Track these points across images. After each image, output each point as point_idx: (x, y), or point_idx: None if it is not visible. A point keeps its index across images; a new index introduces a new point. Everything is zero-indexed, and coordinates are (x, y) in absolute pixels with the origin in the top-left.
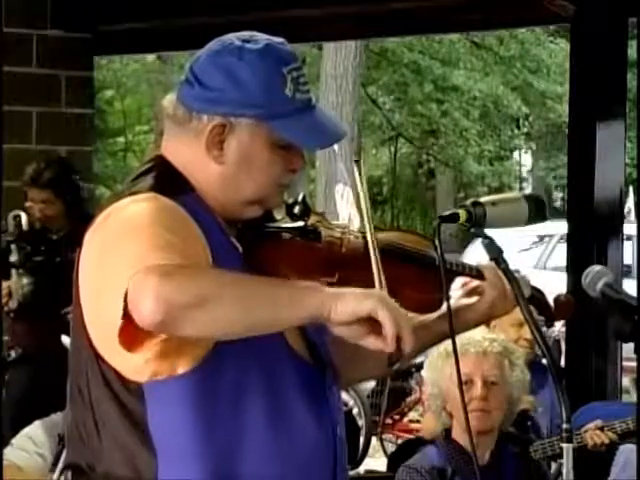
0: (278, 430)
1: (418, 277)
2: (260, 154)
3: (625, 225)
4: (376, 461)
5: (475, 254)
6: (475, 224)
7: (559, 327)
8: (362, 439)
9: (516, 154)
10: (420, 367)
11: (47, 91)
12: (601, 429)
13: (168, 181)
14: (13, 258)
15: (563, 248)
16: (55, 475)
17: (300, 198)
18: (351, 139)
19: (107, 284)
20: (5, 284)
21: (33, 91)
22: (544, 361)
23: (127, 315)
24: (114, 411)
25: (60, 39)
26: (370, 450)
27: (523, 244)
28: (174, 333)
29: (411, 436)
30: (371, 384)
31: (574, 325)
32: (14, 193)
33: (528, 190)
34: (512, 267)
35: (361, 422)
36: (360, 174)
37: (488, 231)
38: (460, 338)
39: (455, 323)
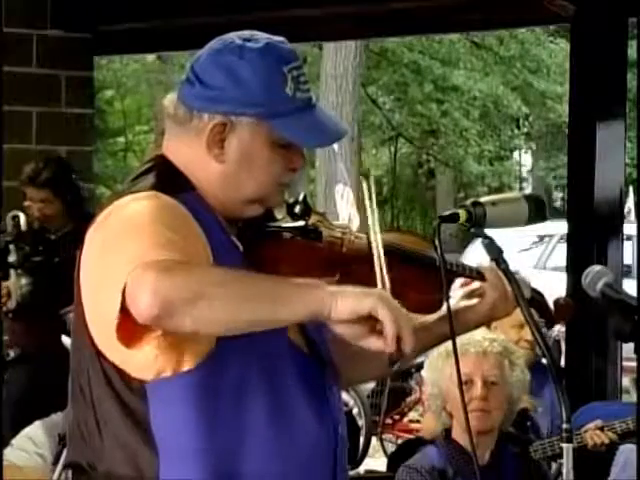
0: (280, 428)
1: (418, 278)
2: (261, 153)
3: (625, 225)
4: (376, 461)
5: (475, 254)
6: (475, 224)
7: (559, 327)
8: (362, 439)
9: (516, 154)
10: (420, 367)
11: (47, 91)
12: (601, 429)
13: (169, 180)
14: (12, 258)
15: (563, 248)
16: (55, 475)
17: (301, 198)
18: (351, 139)
19: (107, 282)
20: (4, 284)
21: (33, 91)
22: (544, 361)
23: (125, 311)
24: (115, 410)
25: (60, 39)
26: (370, 450)
27: (523, 244)
28: (171, 328)
29: (411, 436)
30: (371, 384)
31: (574, 325)
32: (14, 193)
33: (528, 190)
34: (512, 267)
35: (361, 422)
36: (370, 190)
37: (488, 231)
38: (460, 338)
39: (455, 325)
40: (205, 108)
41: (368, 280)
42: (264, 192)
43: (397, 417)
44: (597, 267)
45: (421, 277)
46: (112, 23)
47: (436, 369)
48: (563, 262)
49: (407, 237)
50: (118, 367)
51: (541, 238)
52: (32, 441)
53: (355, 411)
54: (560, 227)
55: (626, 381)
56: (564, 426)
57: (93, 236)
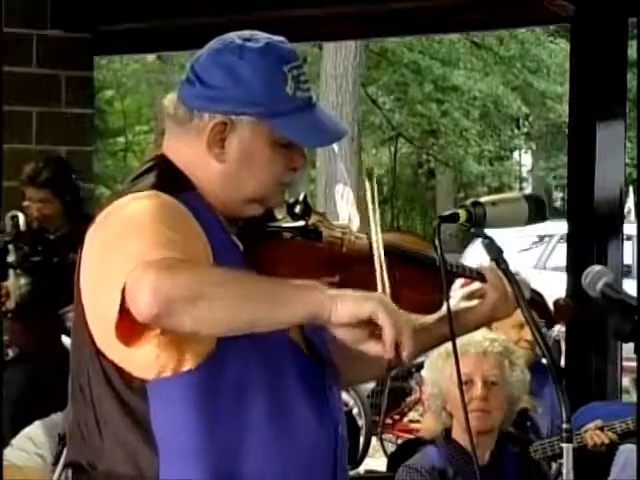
0: (280, 428)
1: (418, 278)
2: (261, 152)
3: (625, 225)
4: (376, 461)
5: (475, 254)
6: (475, 224)
7: (559, 327)
8: (362, 439)
9: (516, 154)
10: (420, 367)
11: (47, 91)
12: (601, 429)
13: (169, 179)
14: (10, 258)
15: (563, 248)
16: (55, 475)
17: (301, 198)
18: (351, 139)
19: (107, 281)
20: (3, 284)
21: (33, 91)
22: (544, 361)
23: (124, 309)
24: (115, 409)
25: (60, 39)
26: (370, 450)
27: (523, 244)
28: (171, 327)
29: (411, 436)
30: (371, 384)
31: (574, 325)
32: (14, 193)
33: (528, 190)
34: (512, 268)
35: (361, 422)
36: (373, 190)
37: (488, 231)
38: (460, 338)
39: (455, 326)
40: (205, 108)
41: (368, 280)
42: (265, 191)
43: (397, 417)
44: (597, 267)
45: (421, 277)
46: (112, 23)
47: (436, 369)
48: (563, 262)
49: (407, 237)
50: (118, 366)
51: (541, 238)
52: (32, 441)
53: (355, 411)
54: (560, 227)
55: (626, 381)
56: (564, 426)
57: (93, 236)
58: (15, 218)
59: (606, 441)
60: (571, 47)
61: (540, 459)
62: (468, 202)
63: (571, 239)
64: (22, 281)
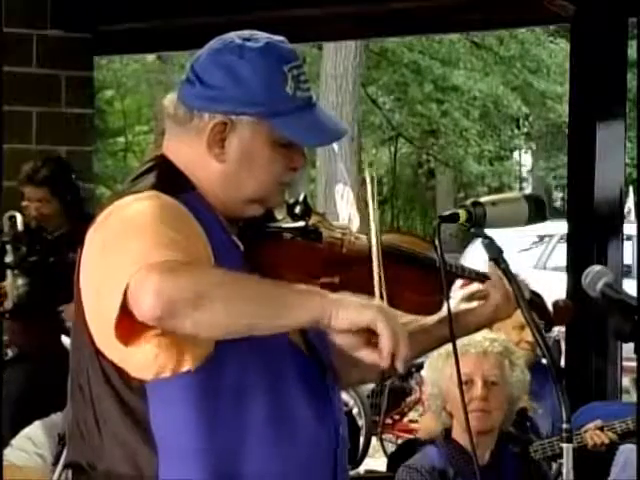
0: (280, 429)
1: (418, 279)
2: (261, 152)
3: (625, 225)
4: (376, 461)
5: (475, 254)
6: (475, 224)
7: (559, 327)
8: (362, 439)
9: (516, 154)
10: (420, 367)
11: (47, 91)
12: (601, 429)
13: (169, 180)
14: (8, 259)
15: (563, 248)
16: (55, 475)
17: (301, 198)
18: (351, 139)
19: (108, 281)
20: (0, 285)
21: (33, 91)
22: (544, 361)
23: (124, 310)
24: (115, 409)
25: (60, 39)
26: (370, 450)
27: (523, 244)
28: (173, 329)
29: (411, 436)
30: (371, 384)
31: (574, 325)
32: (14, 193)
33: (528, 190)
34: (512, 268)
35: (361, 422)
36: (372, 187)
37: (488, 231)
38: (460, 338)
39: (456, 327)
40: (205, 108)
41: (368, 281)
42: (265, 191)
43: (397, 417)
44: (597, 267)
45: (421, 278)
46: (112, 23)
47: (436, 369)
48: (563, 262)
49: (407, 238)
50: (117, 366)
51: (541, 238)
52: (32, 441)
53: (355, 411)
54: (560, 227)
55: (626, 381)
56: (564, 426)
57: (93, 236)
58: (13, 218)
59: (606, 441)
60: (571, 47)
61: (540, 459)
62: (468, 202)
63: (571, 239)
64: (20, 281)
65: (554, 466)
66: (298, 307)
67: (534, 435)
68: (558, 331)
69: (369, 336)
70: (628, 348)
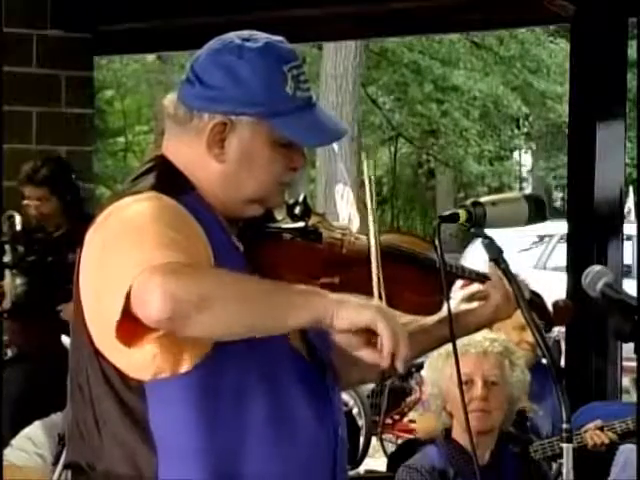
0: (280, 430)
1: (417, 279)
2: (261, 152)
3: (625, 225)
4: (376, 461)
5: (475, 254)
6: (475, 224)
7: (559, 327)
8: (362, 439)
9: (516, 154)
10: (420, 367)
11: (47, 91)
12: (601, 429)
13: (169, 180)
14: (6, 259)
15: (563, 248)
16: (55, 475)
17: (301, 199)
18: (351, 139)
19: (109, 283)
20: None
21: (33, 91)
22: (544, 361)
23: (126, 312)
24: (114, 409)
25: (60, 39)
26: (370, 450)
27: (523, 244)
28: (178, 331)
29: (411, 436)
30: (371, 384)
31: (574, 325)
32: (14, 193)
33: (528, 190)
34: (512, 268)
35: (361, 422)
36: (371, 187)
37: (488, 231)
38: (461, 338)
39: (455, 328)
40: (205, 108)
41: (367, 281)
42: (265, 191)
43: (397, 417)
44: (597, 267)
45: (421, 278)
46: (112, 23)
47: (436, 369)
48: (563, 262)
49: (407, 238)
50: (116, 366)
51: (541, 238)
52: (32, 441)
53: (355, 411)
54: (560, 227)
55: (626, 381)
56: (564, 426)
57: (93, 237)
58: (12, 218)
59: (606, 441)
60: (571, 47)
61: (540, 459)
62: (468, 202)
63: (571, 239)
64: (18, 281)
65: (554, 466)
66: (300, 307)
67: (534, 435)
68: (558, 331)
69: (369, 336)
70: (628, 348)
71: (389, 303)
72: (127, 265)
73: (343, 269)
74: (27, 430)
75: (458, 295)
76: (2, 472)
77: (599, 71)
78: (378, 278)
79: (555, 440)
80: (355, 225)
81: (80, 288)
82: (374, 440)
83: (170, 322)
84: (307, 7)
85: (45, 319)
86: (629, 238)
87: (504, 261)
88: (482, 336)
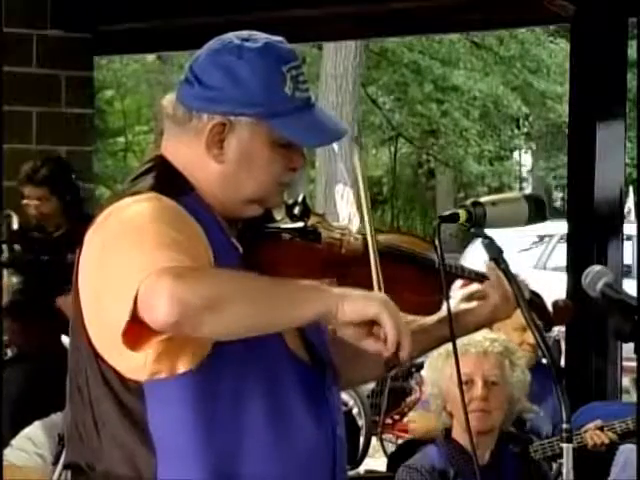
0: (278, 431)
1: (417, 279)
2: (260, 152)
3: (625, 225)
4: (376, 461)
5: (475, 254)
6: (475, 224)
7: (559, 327)
8: (362, 439)
9: (516, 154)
10: (420, 367)
11: (47, 91)
12: (601, 429)
13: (168, 181)
14: (3, 258)
15: (563, 248)
16: (55, 475)
17: (300, 199)
18: (351, 139)
19: (109, 284)
20: None
21: (33, 91)
22: (544, 361)
23: (133, 316)
24: (113, 410)
25: (60, 39)
26: (370, 450)
27: (523, 244)
28: (188, 334)
29: (411, 436)
30: (371, 384)
31: (574, 325)
32: (14, 193)
33: (528, 190)
34: (512, 268)
35: (361, 422)
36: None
37: (488, 231)
38: (461, 338)
39: (455, 327)
40: (204, 108)
41: (367, 281)
42: (264, 192)
43: (397, 417)
44: (597, 267)
45: (420, 279)
46: (112, 23)
47: (436, 369)
48: (563, 262)
49: (407, 238)
50: (115, 368)
51: (541, 238)
52: (32, 441)
53: (355, 411)
54: (560, 227)
55: (626, 381)
56: (564, 426)
57: (92, 238)
58: (8, 218)
59: (606, 441)
60: (571, 47)
61: (540, 459)
62: (468, 202)
63: (571, 239)
64: (14, 280)
65: (554, 466)
66: (305, 302)
67: (534, 435)
68: (558, 331)
69: (370, 327)
70: (628, 348)
71: None
72: (129, 267)
73: (342, 269)
74: (27, 430)
75: (457, 295)
76: (2, 472)
77: (599, 71)
78: (377, 278)
79: (555, 440)
80: (355, 225)
81: (79, 289)
82: (374, 440)
83: (177, 326)
84: (307, 7)
85: (45, 319)
86: (629, 238)
87: (504, 261)
88: (482, 336)
